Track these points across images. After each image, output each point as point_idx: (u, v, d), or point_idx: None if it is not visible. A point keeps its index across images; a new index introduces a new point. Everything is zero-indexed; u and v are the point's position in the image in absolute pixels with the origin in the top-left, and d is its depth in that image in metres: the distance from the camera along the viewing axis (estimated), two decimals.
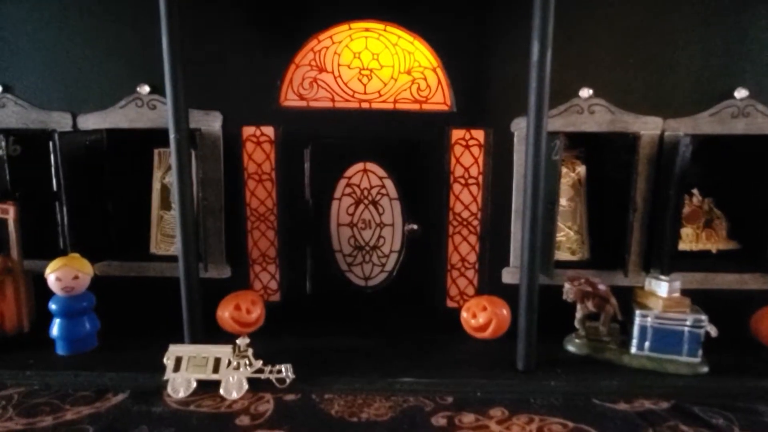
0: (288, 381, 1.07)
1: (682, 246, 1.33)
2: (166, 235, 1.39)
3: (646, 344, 1.12)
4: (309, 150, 1.29)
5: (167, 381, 1.06)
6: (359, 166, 1.30)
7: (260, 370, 1.08)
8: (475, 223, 1.30)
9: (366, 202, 1.31)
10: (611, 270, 1.29)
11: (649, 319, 1.12)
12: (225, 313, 1.24)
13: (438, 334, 1.28)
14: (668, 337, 1.11)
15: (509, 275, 1.31)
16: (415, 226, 1.29)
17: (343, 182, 1.31)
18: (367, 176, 1.30)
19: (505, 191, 1.28)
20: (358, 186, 1.31)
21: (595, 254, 1.34)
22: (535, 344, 1.11)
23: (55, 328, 1.17)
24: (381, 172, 1.31)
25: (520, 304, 1.10)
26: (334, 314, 1.34)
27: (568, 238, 1.34)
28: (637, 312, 1.12)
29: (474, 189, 1.29)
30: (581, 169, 1.34)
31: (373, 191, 1.31)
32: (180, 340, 1.14)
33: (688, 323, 1.10)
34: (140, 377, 1.08)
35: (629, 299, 1.18)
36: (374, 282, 1.35)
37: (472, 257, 1.32)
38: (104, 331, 1.21)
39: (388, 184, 1.31)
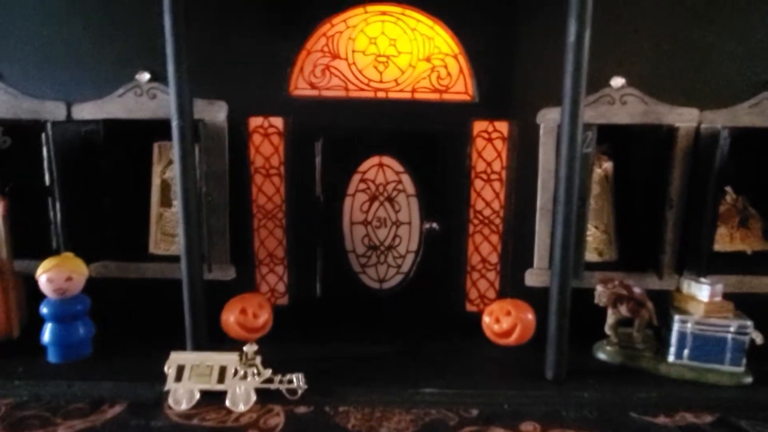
0: (300, 392, 0.99)
1: (716, 247, 1.25)
2: (166, 233, 1.31)
3: (686, 352, 1.04)
4: (320, 143, 1.21)
5: (168, 392, 0.97)
6: (374, 160, 1.22)
7: (269, 380, 1.00)
8: (498, 221, 1.22)
9: (381, 198, 1.23)
10: (641, 272, 1.21)
11: (688, 324, 1.04)
12: (230, 318, 1.16)
13: (458, 340, 1.19)
14: (710, 345, 1.03)
15: (533, 277, 1.23)
16: (435, 225, 1.20)
17: (356, 177, 1.23)
18: (382, 171, 1.22)
19: (529, 187, 1.19)
20: (373, 181, 1.23)
21: (623, 255, 1.27)
22: (567, 352, 1.03)
23: (47, 334, 1.08)
24: (398, 167, 1.22)
25: (550, 309, 1.02)
26: (347, 319, 1.25)
27: (595, 238, 1.26)
28: (676, 317, 1.04)
29: (496, 185, 1.20)
30: (608, 165, 1.26)
31: (389, 187, 1.23)
32: (182, 347, 1.06)
33: (731, 330, 1.02)
34: (139, 388, 1.00)
35: (665, 303, 1.10)
36: (389, 284, 1.27)
37: (494, 258, 1.23)
38: (100, 337, 1.12)
39: (405, 179, 1.23)
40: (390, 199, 1.23)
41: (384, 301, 1.26)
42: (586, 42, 0.93)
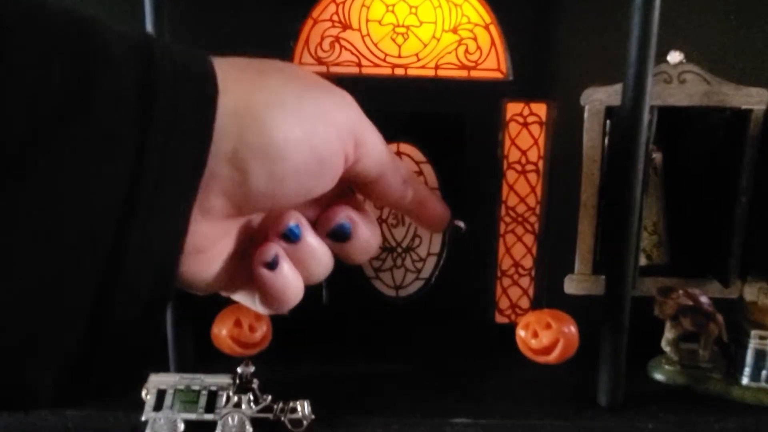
0: (305, 423, 0.82)
1: None
2: None
3: (764, 374, 0.88)
4: None
5: (146, 422, 0.81)
6: (391, 147, 1.05)
7: (268, 408, 0.83)
8: (533, 219, 1.05)
9: None
10: (699, 278, 1.05)
11: None
12: (222, 331, 0.99)
13: (488, 357, 1.03)
14: None
15: (574, 284, 1.06)
16: (461, 224, 1.03)
17: None
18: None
19: (570, 180, 1.03)
20: None
21: (676, 258, 1.11)
22: (624, 374, 0.87)
23: None
24: (418, 156, 1.06)
25: (604, 323, 0.86)
26: (358, 331, 1.08)
27: (643, 239, 1.10)
28: (753, 333, 0.88)
29: (532, 177, 1.04)
30: (657, 155, 1.10)
31: None
32: (164, 368, 0.89)
33: None
34: (111, 417, 0.84)
35: (733, 315, 0.94)
36: (407, 292, 1.09)
37: (528, 262, 1.07)
38: None
39: (427, 170, 1.06)
40: None
41: (401, 311, 1.09)
42: (656, 4, 0.77)
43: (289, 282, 0.40)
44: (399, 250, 1.09)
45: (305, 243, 0.39)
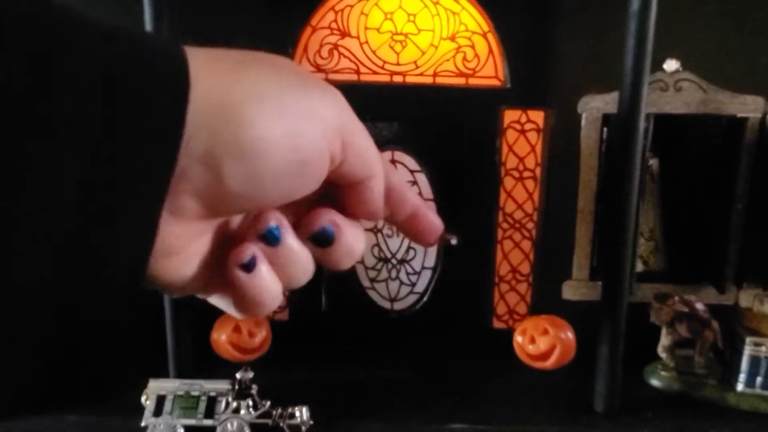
0: (304, 429, 0.83)
1: None
2: None
3: (758, 380, 0.89)
4: None
5: (146, 428, 0.81)
6: (386, 155, 1.06)
7: (267, 414, 0.83)
8: (530, 225, 1.06)
9: None
10: (695, 284, 1.05)
11: (763, 348, 0.88)
12: (222, 337, 0.99)
13: (486, 363, 1.03)
14: None
15: (571, 290, 1.07)
16: (453, 240, 1.04)
17: None
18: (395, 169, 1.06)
19: (568, 187, 1.04)
20: None
21: (672, 265, 1.11)
22: (621, 380, 0.87)
23: None
24: (413, 164, 1.06)
25: (601, 329, 0.87)
26: (357, 338, 1.09)
27: (639, 245, 1.11)
28: (748, 340, 0.89)
29: (530, 184, 1.05)
30: (654, 162, 1.11)
31: None
32: (163, 374, 0.90)
33: None
34: (110, 423, 0.84)
35: (729, 322, 0.95)
36: (402, 305, 1.09)
37: (526, 268, 1.08)
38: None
39: (422, 179, 1.07)
40: None
41: (396, 323, 1.09)
42: (652, 11, 0.78)
43: (266, 285, 0.36)
44: (394, 261, 1.09)
45: (285, 246, 0.35)
